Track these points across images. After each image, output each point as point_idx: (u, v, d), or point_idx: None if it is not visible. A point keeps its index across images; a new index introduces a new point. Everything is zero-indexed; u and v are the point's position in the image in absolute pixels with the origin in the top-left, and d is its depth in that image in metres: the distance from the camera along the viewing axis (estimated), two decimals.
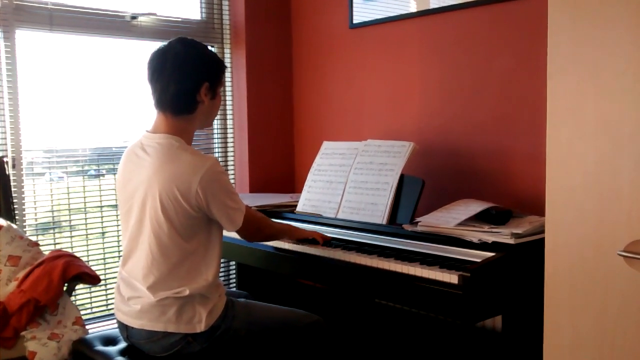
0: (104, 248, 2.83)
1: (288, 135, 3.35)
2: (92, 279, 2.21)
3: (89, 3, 2.72)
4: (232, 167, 3.28)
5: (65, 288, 2.16)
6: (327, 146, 2.73)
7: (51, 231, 2.70)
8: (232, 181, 3.28)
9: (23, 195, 2.56)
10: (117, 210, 2.72)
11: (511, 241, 1.91)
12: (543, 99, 1.54)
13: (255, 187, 3.22)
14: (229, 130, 3.26)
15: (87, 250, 2.78)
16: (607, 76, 1.41)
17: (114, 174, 2.67)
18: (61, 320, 2.11)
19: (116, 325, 2.00)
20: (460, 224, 2.05)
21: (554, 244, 1.53)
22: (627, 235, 1.40)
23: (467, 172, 2.53)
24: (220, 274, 3.23)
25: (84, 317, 2.23)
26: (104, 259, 2.83)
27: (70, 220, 2.74)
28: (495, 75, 2.43)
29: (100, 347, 1.98)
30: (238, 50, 3.18)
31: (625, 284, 1.41)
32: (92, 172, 2.85)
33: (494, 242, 1.93)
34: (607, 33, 1.40)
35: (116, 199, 2.00)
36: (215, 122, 3.23)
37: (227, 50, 3.21)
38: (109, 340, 2.03)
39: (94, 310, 2.80)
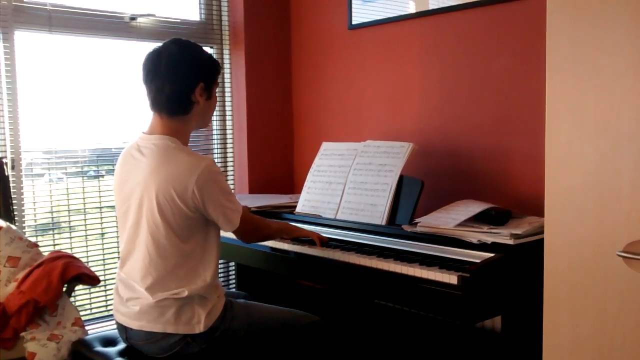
0: (103, 249, 2.83)
1: (287, 136, 3.35)
2: (92, 280, 2.21)
3: (88, 4, 2.72)
4: (231, 168, 3.28)
5: (64, 289, 2.16)
6: (326, 147, 2.73)
7: (50, 232, 2.70)
8: (231, 182, 3.28)
9: (22, 196, 2.56)
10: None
11: (510, 242, 1.91)
12: (542, 100, 1.54)
13: (255, 187, 3.22)
14: (228, 131, 3.26)
15: (87, 251, 2.78)
16: (606, 76, 1.41)
17: (113, 175, 2.67)
18: (60, 321, 2.11)
19: (115, 326, 2.00)
20: (459, 225, 2.05)
21: (554, 244, 1.54)
22: (626, 235, 1.40)
23: (467, 172, 2.53)
24: (220, 275, 3.23)
25: (83, 318, 2.22)
26: (104, 259, 2.83)
27: (69, 221, 2.74)
28: (495, 76, 2.43)
29: (99, 348, 1.98)
30: (237, 51, 3.18)
31: (624, 284, 1.41)
32: (92, 173, 2.85)
33: (493, 243, 1.93)
34: (606, 33, 1.40)
35: (114, 200, 2.00)
36: (214, 123, 3.23)
37: (226, 51, 3.21)
38: (109, 341, 2.03)
39: (93, 311, 2.80)
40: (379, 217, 2.34)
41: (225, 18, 3.19)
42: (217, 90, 1.97)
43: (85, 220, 2.77)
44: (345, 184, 2.52)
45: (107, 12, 2.77)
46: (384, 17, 2.81)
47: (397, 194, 2.34)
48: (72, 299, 2.29)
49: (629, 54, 1.37)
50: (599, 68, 1.42)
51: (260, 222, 2.10)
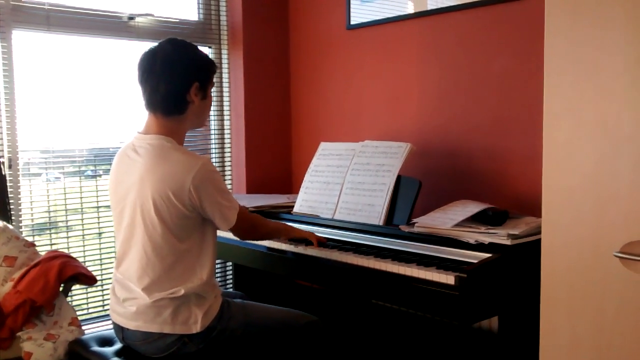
0: (100, 248, 2.82)
1: (285, 136, 3.35)
2: (89, 280, 2.21)
3: (86, 3, 2.72)
4: (229, 168, 3.28)
5: (61, 289, 2.16)
6: (324, 147, 2.73)
7: (47, 232, 2.69)
8: (229, 182, 3.28)
9: (19, 196, 2.55)
10: None
11: (508, 242, 1.91)
12: (541, 100, 1.54)
13: (253, 187, 3.22)
14: (226, 131, 3.26)
15: (84, 251, 2.77)
16: (604, 76, 1.41)
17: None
18: (57, 321, 2.11)
19: (112, 326, 1.99)
20: (457, 225, 2.05)
21: (551, 244, 1.54)
22: (624, 236, 1.40)
23: (464, 173, 2.53)
24: (217, 275, 3.23)
25: (80, 318, 2.22)
26: (101, 259, 2.82)
27: (66, 221, 2.73)
28: (493, 76, 2.43)
29: (96, 348, 1.98)
30: (235, 51, 3.18)
31: (622, 284, 1.41)
32: (89, 173, 2.85)
33: (490, 243, 1.93)
34: (604, 33, 1.40)
35: (110, 200, 2.00)
36: (212, 123, 3.23)
37: (224, 51, 3.21)
38: (105, 341, 2.03)
39: (90, 310, 2.80)
40: (377, 217, 2.34)
41: (223, 18, 3.19)
42: (214, 90, 1.97)
43: (82, 219, 2.77)
44: (343, 184, 2.52)
45: (105, 11, 2.77)
46: (383, 17, 2.81)
47: (395, 194, 2.34)
48: (68, 298, 2.29)
49: (627, 54, 1.37)
50: (598, 68, 1.42)
51: (257, 220, 2.10)
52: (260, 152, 3.23)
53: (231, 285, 3.21)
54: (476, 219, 2.09)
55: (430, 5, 2.60)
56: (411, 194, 2.29)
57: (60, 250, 2.47)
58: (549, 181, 1.53)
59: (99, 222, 2.81)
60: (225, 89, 3.23)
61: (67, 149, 2.74)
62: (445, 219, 2.12)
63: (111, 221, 2.78)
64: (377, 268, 1.98)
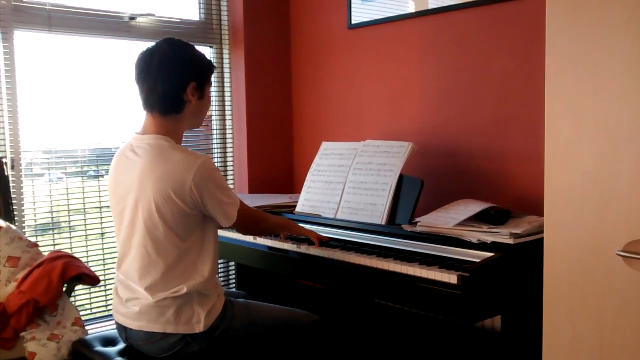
0: (103, 248, 2.83)
1: (287, 136, 3.35)
2: (92, 280, 2.21)
3: (88, 4, 2.72)
4: (231, 168, 3.28)
5: (64, 289, 2.16)
6: (326, 146, 2.73)
7: (50, 232, 2.70)
8: (231, 182, 3.28)
9: (22, 196, 2.56)
10: None
11: (510, 241, 1.91)
12: (542, 99, 1.54)
13: (254, 187, 3.22)
14: (228, 131, 3.26)
15: (87, 251, 2.78)
16: (605, 76, 1.41)
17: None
18: (60, 321, 2.11)
19: (115, 326, 2.00)
20: (459, 224, 2.05)
21: (553, 243, 1.54)
22: (626, 235, 1.40)
23: (466, 172, 2.53)
24: (220, 275, 3.23)
25: (83, 318, 2.22)
26: (103, 259, 2.83)
27: (69, 221, 2.74)
28: (494, 76, 2.43)
29: (99, 348, 1.98)
30: (236, 51, 3.18)
31: (624, 283, 1.41)
32: (91, 173, 2.85)
33: (492, 242, 1.94)
34: (605, 33, 1.40)
35: (109, 201, 2.00)
36: (214, 123, 3.24)
37: (225, 51, 3.21)
38: (109, 341, 2.03)
39: (93, 310, 2.80)
40: (379, 216, 2.34)
41: (224, 18, 3.19)
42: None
43: (85, 220, 2.77)
44: (345, 184, 2.52)
45: (106, 11, 2.77)
46: (384, 17, 2.81)
47: (397, 194, 2.34)
48: (72, 298, 2.29)
49: (628, 54, 1.37)
50: (599, 68, 1.42)
51: (258, 215, 2.10)
52: (262, 151, 3.23)
53: (234, 285, 3.21)
54: (478, 218, 2.09)
55: (431, 5, 2.60)
56: (413, 194, 2.29)
57: (63, 250, 2.47)
58: (550, 180, 1.53)
59: (101, 222, 2.82)
60: (227, 89, 3.24)
61: (70, 149, 2.75)
62: (448, 218, 2.12)
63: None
64: (379, 267, 1.98)
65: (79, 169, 2.79)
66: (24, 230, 2.56)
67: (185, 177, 1.76)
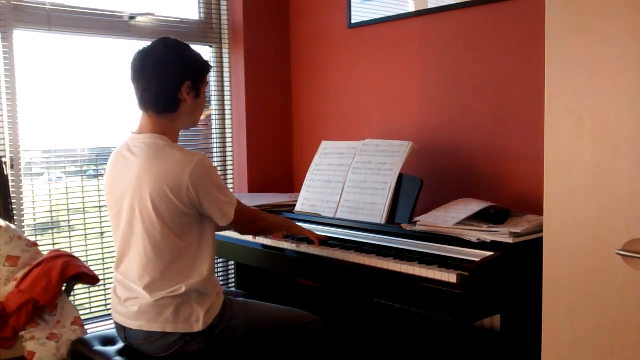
0: (102, 248, 2.83)
1: (286, 135, 3.35)
2: (91, 279, 2.21)
3: (87, 3, 2.72)
4: (230, 167, 3.28)
5: (63, 288, 2.16)
6: (325, 146, 2.73)
7: (50, 231, 2.70)
8: (230, 181, 3.28)
9: (21, 195, 2.56)
10: None
11: (509, 240, 1.91)
12: (541, 99, 1.54)
13: (254, 186, 3.22)
14: (227, 130, 3.26)
15: (86, 250, 2.78)
16: (605, 75, 1.41)
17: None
18: (60, 320, 2.11)
19: (114, 326, 2.00)
20: (458, 223, 2.05)
21: (553, 242, 1.54)
22: (625, 234, 1.40)
23: (466, 171, 2.53)
24: (219, 274, 3.23)
25: (82, 317, 2.22)
26: (103, 258, 2.83)
27: (68, 220, 2.74)
28: (494, 75, 2.43)
29: (98, 347, 1.98)
30: (236, 50, 3.18)
31: (623, 282, 1.41)
32: (91, 172, 2.85)
33: (492, 241, 1.93)
34: (605, 32, 1.40)
35: (106, 202, 2.00)
36: (213, 122, 3.24)
37: (225, 50, 3.21)
38: (108, 340, 2.03)
39: (92, 310, 2.80)
40: (378, 215, 2.34)
41: (224, 17, 3.19)
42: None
43: (84, 219, 2.77)
44: (345, 183, 2.52)
45: (106, 11, 2.77)
46: (383, 16, 2.80)
47: (396, 193, 2.34)
48: (71, 298, 2.29)
49: (628, 53, 1.36)
50: (599, 67, 1.42)
51: (255, 214, 2.10)
52: (261, 151, 3.23)
53: (233, 285, 3.21)
54: (478, 217, 2.09)
55: (431, 4, 2.60)
56: (413, 193, 2.29)
57: (63, 249, 2.47)
58: (550, 179, 1.53)
59: (100, 222, 2.82)
60: (226, 88, 3.23)
61: (69, 148, 2.75)
62: (447, 217, 2.12)
63: None
64: (378, 266, 1.98)
65: (79, 168, 2.79)
66: (23, 229, 2.56)
67: (182, 176, 1.76)
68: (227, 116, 3.25)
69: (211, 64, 3.16)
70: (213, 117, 3.24)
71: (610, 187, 1.42)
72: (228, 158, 3.28)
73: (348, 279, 2.09)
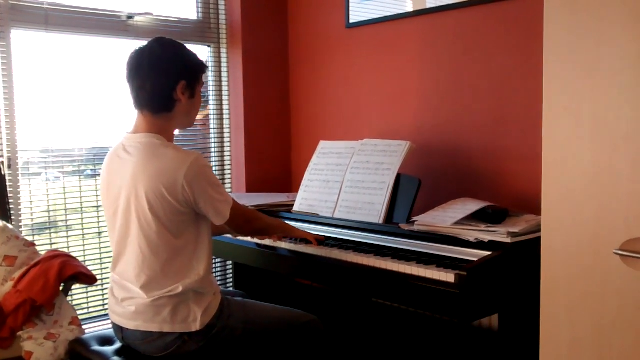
0: (100, 248, 2.82)
1: (285, 135, 3.35)
2: (89, 279, 2.21)
3: (85, 3, 2.71)
4: (228, 167, 3.28)
5: (61, 288, 2.16)
6: (323, 145, 2.73)
7: (47, 231, 2.69)
8: (228, 181, 3.28)
9: (19, 196, 2.55)
10: None
11: (508, 240, 1.91)
12: (539, 98, 1.54)
13: (252, 186, 3.22)
14: (226, 130, 3.26)
15: (84, 250, 2.77)
16: (604, 75, 1.41)
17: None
18: (57, 320, 2.11)
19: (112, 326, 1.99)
20: (456, 223, 2.05)
21: (551, 242, 1.54)
22: (624, 233, 1.40)
23: (464, 171, 2.53)
24: (217, 274, 3.23)
25: (80, 317, 2.22)
26: (101, 258, 2.82)
27: (66, 220, 2.73)
28: (492, 75, 2.43)
29: (96, 347, 1.98)
30: (234, 50, 3.18)
31: (622, 282, 1.41)
32: (89, 172, 2.85)
33: (490, 241, 1.94)
34: (604, 32, 1.40)
35: (102, 203, 2.00)
36: (211, 122, 3.23)
37: (223, 50, 3.21)
38: (106, 340, 2.03)
39: (90, 310, 2.80)
40: (377, 215, 2.34)
41: (222, 17, 3.18)
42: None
43: (82, 219, 2.77)
44: (343, 183, 2.52)
45: (104, 10, 2.77)
46: (382, 16, 2.80)
47: (395, 193, 2.34)
48: (69, 298, 2.29)
49: (627, 53, 1.37)
50: (597, 66, 1.42)
51: (251, 214, 2.09)
52: (259, 151, 3.23)
53: (231, 285, 3.21)
54: (476, 217, 2.09)
55: (429, 4, 2.60)
56: (411, 192, 2.29)
57: (60, 249, 2.47)
58: (548, 179, 1.53)
59: (98, 222, 2.81)
60: (225, 88, 3.23)
61: (67, 148, 2.74)
62: (445, 217, 2.12)
63: None
64: (377, 266, 1.98)
65: (76, 168, 2.79)
66: (20, 229, 2.56)
67: (178, 175, 1.76)
68: (225, 116, 3.25)
69: (209, 64, 3.17)
70: (211, 117, 3.23)
71: (609, 187, 1.42)
72: (226, 158, 3.27)
73: (346, 279, 2.09)
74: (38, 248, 2.29)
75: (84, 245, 2.77)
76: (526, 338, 1.86)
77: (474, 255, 1.89)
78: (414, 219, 2.20)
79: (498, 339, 2.08)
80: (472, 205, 2.14)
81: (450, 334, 2.46)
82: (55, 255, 2.17)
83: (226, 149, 3.27)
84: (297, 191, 2.73)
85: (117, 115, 2.84)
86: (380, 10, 2.82)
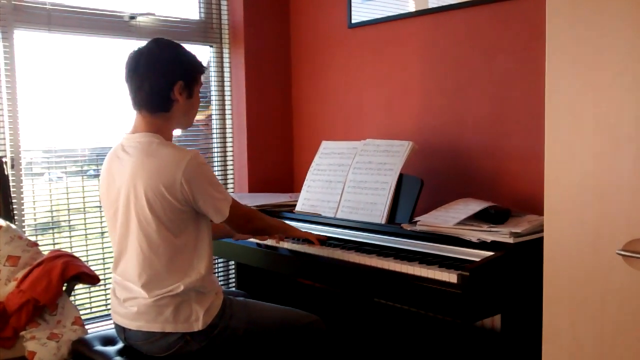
0: (103, 248, 2.83)
1: (287, 135, 3.35)
2: (91, 279, 2.21)
3: (88, 3, 2.72)
4: (231, 167, 3.28)
5: (64, 288, 2.16)
6: (326, 146, 2.73)
7: (50, 231, 2.70)
8: (230, 181, 3.28)
9: (22, 196, 2.56)
10: None
11: (510, 240, 1.91)
12: (542, 98, 1.54)
13: (255, 187, 3.22)
14: (228, 131, 3.26)
15: (87, 250, 2.78)
16: (605, 75, 1.41)
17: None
18: (60, 320, 2.11)
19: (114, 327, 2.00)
20: (459, 223, 2.05)
21: (553, 243, 1.54)
22: (626, 234, 1.40)
23: (466, 171, 2.53)
24: (220, 274, 3.23)
25: (83, 317, 2.22)
26: (103, 258, 2.83)
27: (69, 220, 2.74)
28: (494, 74, 2.43)
29: (99, 347, 1.98)
30: (237, 50, 3.18)
31: (624, 282, 1.41)
32: (91, 172, 2.85)
33: (493, 242, 1.93)
34: (606, 32, 1.40)
35: (101, 204, 2.00)
36: (214, 122, 3.24)
37: (225, 50, 3.21)
38: (108, 340, 2.03)
39: (93, 310, 2.80)
40: (379, 215, 2.34)
41: (224, 17, 3.19)
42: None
43: (85, 219, 2.77)
44: (345, 183, 2.52)
45: (106, 11, 2.77)
46: (384, 16, 2.80)
47: (397, 193, 2.34)
48: (71, 298, 2.29)
49: (629, 53, 1.36)
50: (599, 66, 1.42)
51: (252, 213, 2.09)
52: (262, 151, 3.23)
53: (234, 285, 3.21)
54: (478, 218, 2.09)
55: (432, 4, 2.60)
56: (413, 193, 2.29)
57: (63, 249, 2.48)
58: (550, 179, 1.53)
59: (101, 222, 2.82)
60: (227, 89, 3.23)
61: (70, 148, 2.75)
62: (448, 217, 2.12)
63: None
64: (379, 267, 1.98)
65: (79, 168, 2.79)
66: (23, 229, 2.56)
67: (176, 172, 1.77)
68: (227, 116, 3.25)
69: (211, 64, 3.17)
70: (214, 117, 3.24)
71: (612, 187, 1.42)
72: (229, 158, 3.28)
73: (349, 279, 2.09)
74: (41, 248, 2.30)
75: (86, 245, 2.78)
76: (529, 338, 1.86)
77: (477, 255, 1.89)
78: (416, 219, 2.20)
79: (500, 340, 2.08)
80: (475, 206, 2.14)
81: (452, 334, 2.46)
82: (58, 255, 2.18)
83: (228, 149, 3.27)
84: (299, 191, 2.73)
85: (120, 115, 2.84)
86: (382, 10, 2.82)
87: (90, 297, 2.79)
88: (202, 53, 3.19)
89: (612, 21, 1.39)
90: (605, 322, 1.45)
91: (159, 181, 1.77)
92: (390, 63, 2.81)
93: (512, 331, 2.00)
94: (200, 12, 3.15)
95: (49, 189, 2.69)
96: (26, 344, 2.00)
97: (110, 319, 1.98)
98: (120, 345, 1.98)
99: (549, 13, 1.49)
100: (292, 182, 3.36)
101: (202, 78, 1.98)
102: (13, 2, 2.50)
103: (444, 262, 1.90)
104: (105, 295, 2.83)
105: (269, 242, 2.34)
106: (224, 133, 3.26)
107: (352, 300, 2.87)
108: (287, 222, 2.32)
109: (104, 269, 2.82)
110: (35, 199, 2.63)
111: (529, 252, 1.90)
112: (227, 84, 3.23)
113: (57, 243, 2.70)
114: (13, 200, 2.43)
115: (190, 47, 1.96)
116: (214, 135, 3.24)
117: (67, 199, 2.71)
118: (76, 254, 2.33)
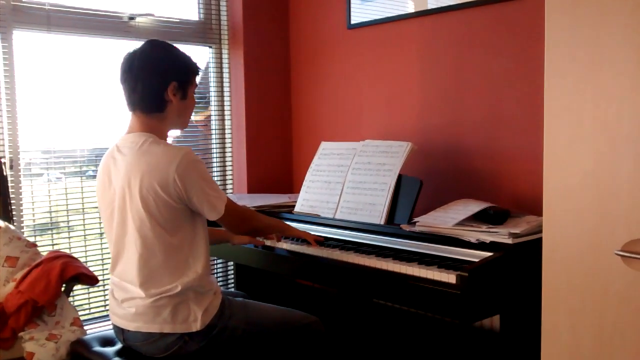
0: (101, 248, 2.82)
1: (286, 136, 3.35)
2: (90, 280, 2.21)
3: (87, 4, 2.72)
4: (230, 168, 3.28)
5: (63, 289, 2.16)
6: (325, 146, 2.73)
7: (49, 232, 2.70)
8: (229, 182, 3.28)
9: (21, 196, 2.56)
10: None
11: (509, 241, 1.91)
12: (541, 99, 1.54)
13: (254, 187, 3.22)
14: (227, 131, 3.26)
15: (85, 251, 2.77)
16: (605, 76, 1.41)
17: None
18: (59, 321, 2.11)
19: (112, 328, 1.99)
20: (458, 224, 2.05)
21: (552, 243, 1.54)
22: (625, 234, 1.40)
23: (465, 172, 2.53)
24: (219, 275, 3.23)
25: (82, 318, 2.22)
26: (102, 259, 2.82)
27: (68, 221, 2.74)
28: (493, 75, 2.43)
29: (98, 348, 1.98)
30: (236, 51, 3.18)
31: (623, 283, 1.41)
32: (90, 173, 2.85)
33: (491, 242, 1.93)
34: (604, 32, 1.40)
35: (98, 205, 2.00)
36: (213, 122, 3.24)
37: (224, 51, 3.21)
38: (107, 341, 2.03)
39: (92, 310, 2.80)
40: (378, 216, 2.34)
41: (224, 18, 3.19)
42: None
43: (83, 220, 2.77)
44: (344, 184, 2.52)
45: (105, 11, 2.77)
46: (383, 17, 2.81)
47: (396, 194, 2.34)
48: (70, 298, 2.29)
49: (628, 53, 1.37)
50: (598, 67, 1.42)
51: (248, 212, 2.09)
52: (261, 151, 3.23)
53: (233, 285, 3.21)
54: (477, 218, 2.09)
55: (431, 5, 2.60)
56: (412, 193, 2.29)
57: (62, 250, 2.47)
58: (549, 180, 1.53)
59: (100, 222, 2.81)
60: (226, 89, 3.23)
61: (69, 149, 2.75)
62: (447, 218, 2.12)
63: None
64: (378, 267, 1.98)
65: (78, 169, 2.79)
66: (22, 230, 2.56)
67: (169, 169, 1.77)
68: (226, 117, 3.25)
69: (210, 65, 3.17)
70: (213, 117, 3.24)
71: (610, 188, 1.42)
72: (228, 159, 3.28)
73: (347, 280, 2.09)
74: (40, 249, 2.30)
75: (85, 246, 2.78)
76: (527, 339, 1.86)
77: (475, 256, 1.89)
78: (415, 219, 2.20)
79: (499, 340, 2.08)
80: (474, 206, 2.14)
81: (451, 335, 2.46)
82: (56, 256, 2.18)
83: (227, 149, 3.27)
84: (298, 192, 2.73)
85: (119, 116, 2.84)
86: (382, 11, 2.82)
87: (89, 298, 2.79)
88: (201, 54, 3.19)
89: (611, 21, 1.39)
90: (604, 323, 1.45)
91: (153, 179, 1.77)
92: (390, 64, 2.81)
93: (511, 332, 2.00)
94: (199, 13, 3.15)
95: (48, 189, 2.69)
96: (25, 345, 2.00)
97: (109, 320, 1.98)
98: (119, 346, 1.98)
99: (548, 13, 1.49)
100: (291, 183, 3.36)
101: (198, 79, 1.98)
102: (12, 3, 2.50)
103: (443, 262, 1.90)
104: (104, 296, 2.83)
105: (268, 242, 2.34)
106: (223, 134, 3.26)
107: (351, 300, 2.86)
108: (282, 221, 2.32)
109: (103, 269, 2.82)
110: (34, 200, 2.63)
111: (528, 252, 1.90)
112: (226, 84, 3.23)
113: (56, 244, 2.70)
114: (12, 201, 2.43)
115: (190, 48, 1.96)
116: (213, 136, 3.25)
117: (66, 199, 2.71)
118: (75, 255, 2.33)
